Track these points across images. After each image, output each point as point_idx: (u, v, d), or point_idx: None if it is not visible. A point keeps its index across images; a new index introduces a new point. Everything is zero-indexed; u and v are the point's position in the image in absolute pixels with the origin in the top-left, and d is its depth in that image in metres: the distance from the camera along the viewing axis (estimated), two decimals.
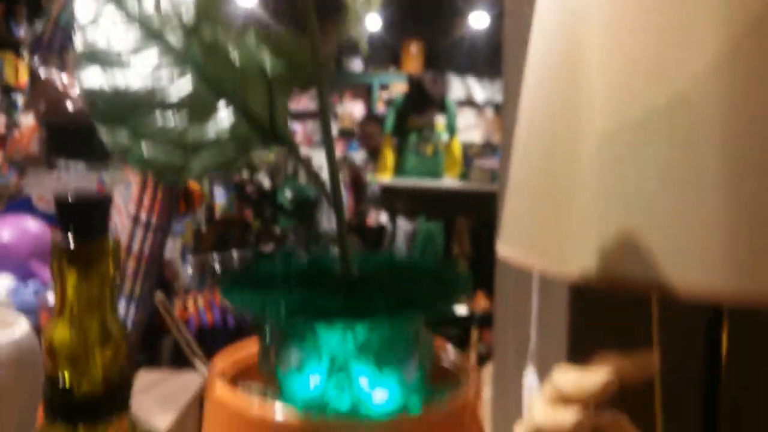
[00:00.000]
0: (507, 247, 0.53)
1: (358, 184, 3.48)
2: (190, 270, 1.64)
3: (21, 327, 0.73)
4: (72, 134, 1.49)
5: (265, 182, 3.51)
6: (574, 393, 0.42)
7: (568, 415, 0.42)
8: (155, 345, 1.48)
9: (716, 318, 0.53)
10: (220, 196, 3.45)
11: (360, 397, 0.37)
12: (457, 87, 5.25)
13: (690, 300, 0.40)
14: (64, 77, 1.61)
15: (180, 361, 1.41)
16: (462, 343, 2.06)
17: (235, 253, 1.82)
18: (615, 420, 0.44)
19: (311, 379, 0.38)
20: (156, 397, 1.14)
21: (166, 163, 0.39)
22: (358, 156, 4.00)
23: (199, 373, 1.20)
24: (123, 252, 1.10)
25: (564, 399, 0.43)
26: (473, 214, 3.19)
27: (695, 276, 0.41)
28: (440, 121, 3.48)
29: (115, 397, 0.43)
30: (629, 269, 0.43)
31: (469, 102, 5.50)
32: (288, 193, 3.22)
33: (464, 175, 3.45)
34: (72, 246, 0.41)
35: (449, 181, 3.44)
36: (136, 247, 1.08)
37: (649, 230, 0.42)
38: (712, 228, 0.40)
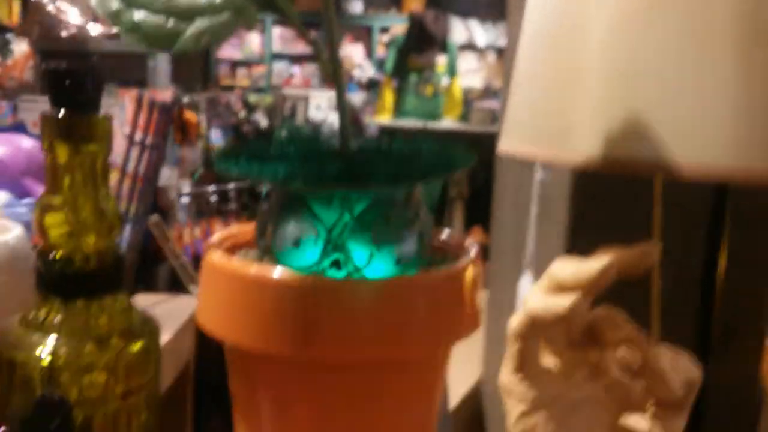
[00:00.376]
0: (510, 142, 0.52)
1: (356, 125, 3.45)
2: (185, 200, 1.64)
3: (15, 232, 0.72)
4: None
5: (263, 123, 3.48)
6: (572, 280, 0.42)
7: (564, 301, 0.42)
8: (151, 272, 1.48)
9: (718, 208, 0.52)
10: (217, 139, 3.42)
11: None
12: (458, 30, 5.16)
13: (696, 179, 0.40)
14: (58, 1, 1.57)
15: (176, 288, 1.41)
16: None
17: (232, 185, 1.82)
18: (611, 315, 0.43)
19: (307, 257, 0.38)
20: None
21: (157, 28, 0.38)
22: (357, 97, 3.96)
23: (194, 296, 1.21)
24: (118, 172, 1.09)
25: (561, 288, 0.43)
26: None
27: (701, 155, 0.40)
28: (441, 61, 3.43)
29: (109, 275, 0.42)
30: (634, 151, 0.42)
31: (470, 46, 5.42)
32: (285, 134, 3.17)
33: (464, 117, 3.42)
34: (62, 116, 0.40)
35: (448, 122, 3.41)
36: (131, 167, 1.07)
37: (655, 111, 0.41)
38: (720, 106, 0.39)
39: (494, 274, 1.13)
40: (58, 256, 0.41)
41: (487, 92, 4.53)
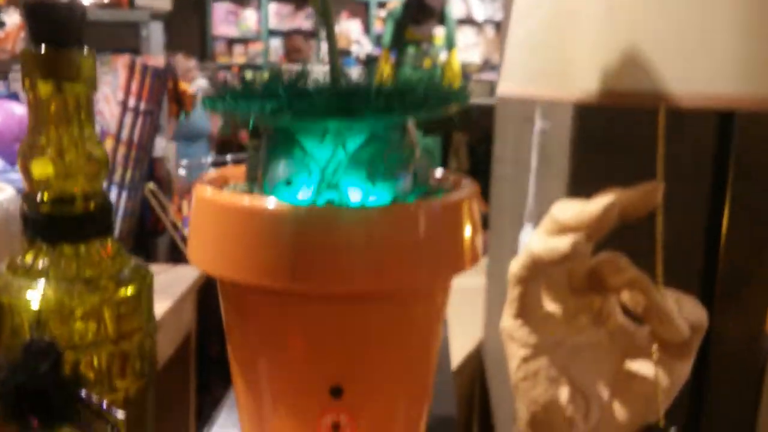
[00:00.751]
0: (509, 84, 0.50)
1: None
2: (183, 172, 1.62)
3: (7, 194, 0.71)
4: None
5: None
6: (574, 221, 0.40)
7: (567, 239, 0.40)
8: (151, 244, 1.47)
9: (722, 158, 0.51)
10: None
11: None
12: (457, 3, 5.11)
13: (699, 107, 0.38)
14: None
15: (176, 260, 1.40)
16: None
17: (229, 157, 1.80)
18: (613, 259, 0.42)
19: (300, 197, 0.37)
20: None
21: None
22: (355, 73, 3.92)
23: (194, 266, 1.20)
24: (112, 140, 1.08)
25: (563, 229, 0.41)
26: (471, 129, 3.15)
27: (704, 84, 0.39)
28: (439, 33, 3.39)
29: (97, 219, 0.41)
30: (636, 83, 0.40)
31: (469, 20, 5.37)
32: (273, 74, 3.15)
33: None
34: (43, 51, 0.39)
35: None
36: (125, 133, 1.06)
37: (656, 42, 0.40)
38: (722, 34, 0.38)
39: (494, 237, 1.12)
40: (44, 199, 0.40)
41: (486, 66, 4.49)
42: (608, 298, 0.42)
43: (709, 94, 0.38)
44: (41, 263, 0.40)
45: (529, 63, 0.48)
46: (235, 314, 0.38)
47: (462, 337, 1.08)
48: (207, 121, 2.80)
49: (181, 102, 1.69)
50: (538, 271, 0.39)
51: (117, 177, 1.06)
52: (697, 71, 0.38)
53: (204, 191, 0.36)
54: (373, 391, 0.37)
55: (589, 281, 0.41)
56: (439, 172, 0.43)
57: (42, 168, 0.40)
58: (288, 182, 0.36)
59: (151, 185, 1.09)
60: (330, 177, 0.36)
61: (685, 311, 0.41)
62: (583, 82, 0.42)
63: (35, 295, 0.39)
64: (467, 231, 0.37)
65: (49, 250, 0.40)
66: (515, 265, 0.40)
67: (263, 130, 0.39)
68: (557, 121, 0.70)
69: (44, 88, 0.39)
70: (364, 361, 0.36)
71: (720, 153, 0.63)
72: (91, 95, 0.41)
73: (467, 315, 1.15)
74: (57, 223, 0.40)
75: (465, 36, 5.16)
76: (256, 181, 0.38)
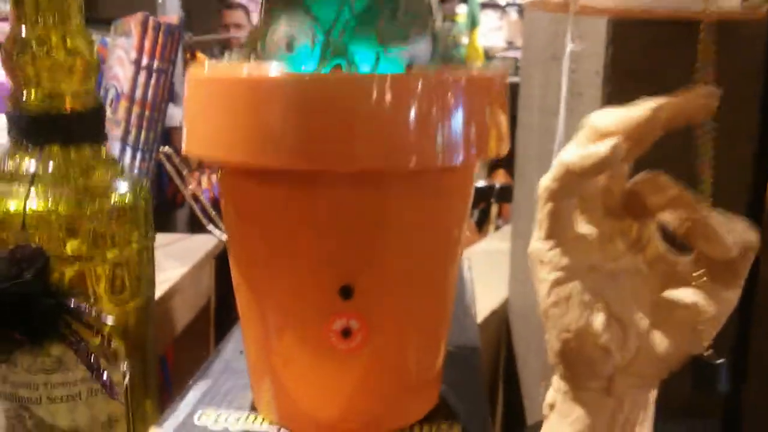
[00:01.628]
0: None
1: None
2: None
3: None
4: None
5: None
6: (617, 125, 0.35)
7: (606, 142, 0.35)
8: (170, 217, 1.45)
9: None
10: None
11: None
12: None
13: None
14: None
15: (195, 231, 1.38)
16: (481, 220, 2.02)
17: None
18: (653, 177, 0.37)
19: (303, 63, 0.33)
20: (170, 254, 1.12)
21: None
22: None
23: (212, 235, 1.17)
24: (126, 101, 1.05)
25: (601, 135, 0.36)
26: None
27: None
28: (461, 11, 3.34)
29: (86, 120, 0.38)
30: None
31: (491, 4, 5.30)
32: None
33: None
34: None
35: None
36: (138, 93, 1.03)
37: None
38: None
39: (519, 203, 1.08)
40: (30, 98, 0.37)
41: (510, 47, 4.42)
42: (647, 224, 0.37)
43: None
44: (27, 167, 0.37)
45: None
46: (236, 211, 0.34)
47: (488, 295, 1.05)
48: None
49: None
50: (573, 183, 0.34)
51: (131, 138, 1.03)
52: None
53: (199, 69, 0.33)
54: (386, 293, 0.33)
55: (626, 204, 0.37)
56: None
57: (27, 65, 0.37)
58: (289, 47, 0.32)
59: (165, 149, 1.06)
60: (336, 39, 0.32)
61: (735, 231, 0.36)
62: None
63: (20, 200, 0.36)
64: (493, 112, 0.33)
65: (35, 153, 0.37)
66: (546, 178, 0.36)
67: None
68: (588, 51, 0.65)
69: None
70: (376, 255, 0.32)
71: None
72: None
73: (493, 276, 1.12)
74: (44, 122, 0.37)
75: (488, 19, 5.09)
76: (255, 52, 0.35)
